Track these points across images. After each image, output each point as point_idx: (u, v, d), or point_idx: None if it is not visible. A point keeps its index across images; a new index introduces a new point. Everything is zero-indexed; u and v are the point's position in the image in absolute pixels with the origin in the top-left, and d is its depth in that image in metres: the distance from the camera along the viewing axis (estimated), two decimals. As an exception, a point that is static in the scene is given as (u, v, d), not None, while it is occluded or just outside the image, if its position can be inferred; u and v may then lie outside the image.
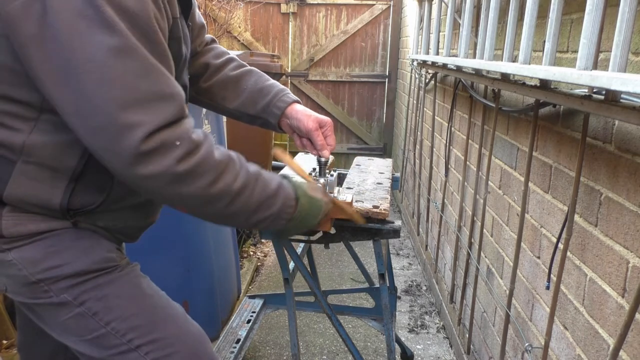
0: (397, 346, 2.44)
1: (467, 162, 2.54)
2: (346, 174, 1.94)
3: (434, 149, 3.41)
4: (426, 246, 3.57)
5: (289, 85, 5.82)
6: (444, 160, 3.02)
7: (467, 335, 2.36)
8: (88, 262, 1.03)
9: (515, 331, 1.85)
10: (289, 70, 5.85)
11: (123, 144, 0.86)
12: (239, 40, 5.75)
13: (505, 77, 1.78)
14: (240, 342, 2.15)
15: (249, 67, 1.37)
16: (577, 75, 1.11)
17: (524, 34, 1.48)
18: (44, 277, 1.00)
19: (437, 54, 3.06)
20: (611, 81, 0.97)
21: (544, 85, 1.46)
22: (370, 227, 1.51)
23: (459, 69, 2.40)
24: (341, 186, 1.72)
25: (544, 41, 1.38)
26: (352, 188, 1.72)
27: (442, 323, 2.92)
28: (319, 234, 1.50)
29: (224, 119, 2.79)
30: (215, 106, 1.37)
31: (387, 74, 5.82)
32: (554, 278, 1.50)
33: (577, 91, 1.31)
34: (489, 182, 2.16)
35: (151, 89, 0.87)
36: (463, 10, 2.26)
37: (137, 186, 0.93)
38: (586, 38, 1.13)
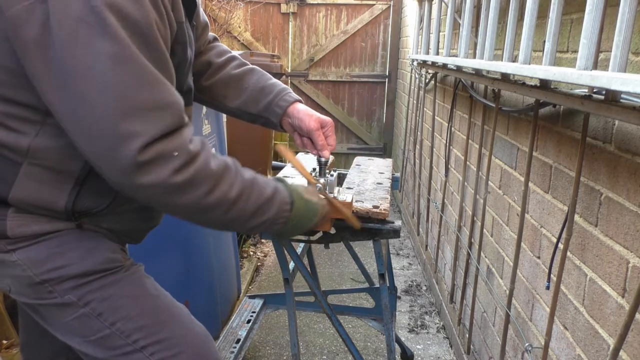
0: (397, 346, 2.44)
1: (467, 162, 2.54)
2: (346, 174, 1.94)
3: (434, 149, 3.41)
4: (426, 246, 3.57)
5: (289, 85, 5.82)
6: (444, 160, 3.02)
7: (467, 335, 2.36)
8: (92, 263, 1.03)
9: (515, 331, 1.85)
10: (289, 70, 5.85)
11: (120, 154, 0.85)
12: (239, 40, 5.75)
13: (505, 77, 1.78)
14: (240, 342, 2.15)
15: (250, 66, 1.37)
16: (577, 75, 1.11)
17: (524, 34, 1.48)
18: (48, 277, 1.00)
19: (437, 54, 3.06)
20: (611, 81, 0.97)
21: (544, 85, 1.46)
22: (370, 227, 1.51)
23: (459, 69, 2.40)
24: (341, 186, 1.72)
25: (544, 41, 1.38)
26: (352, 188, 1.72)
27: (442, 323, 2.92)
28: (319, 234, 1.50)
29: (224, 118, 2.79)
30: (216, 104, 1.37)
31: (387, 74, 5.82)
32: (554, 278, 1.50)
33: (577, 91, 1.31)
34: (489, 182, 2.16)
35: (150, 98, 0.87)
36: (463, 10, 2.26)
37: (134, 195, 0.93)
38: (586, 38, 1.13)
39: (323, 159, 1.35)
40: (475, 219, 2.36)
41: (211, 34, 1.38)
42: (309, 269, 2.11)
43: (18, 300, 1.10)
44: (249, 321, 2.29)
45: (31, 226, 0.99)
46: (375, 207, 1.51)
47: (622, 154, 1.20)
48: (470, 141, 2.51)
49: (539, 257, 1.66)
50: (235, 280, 2.86)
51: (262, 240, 3.91)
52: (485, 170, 2.16)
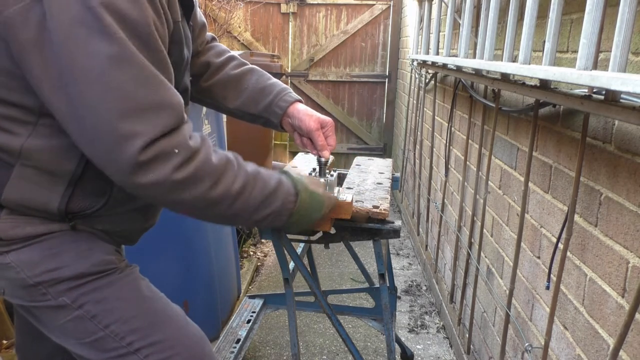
0: (397, 346, 2.44)
1: (467, 162, 2.54)
2: (346, 174, 1.94)
3: (434, 149, 3.41)
4: (426, 246, 3.57)
5: (289, 85, 5.82)
6: (444, 160, 3.02)
7: (467, 335, 2.36)
8: (87, 265, 1.02)
9: (515, 331, 1.85)
10: (289, 70, 5.85)
11: (121, 154, 0.86)
12: (239, 40, 5.75)
13: (505, 77, 1.78)
14: (240, 342, 2.14)
15: (250, 66, 1.37)
16: (577, 75, 1.11)
17: (524, 34, 1.48)
18: (42, 279, 1.00)
19: (437, 54, 3.05)
20: (611, 81, 0.97)
21: (544, 85, 1.46)
22: (370, 227, 1.51)
23: (459, 69, 2.40)
24: (341, 186, 1.72)
25: (544, 41, 1.38)
26: (352, 188, 1.72)
27: (442, 323, 2.92)
28: (319, 234, 1.50)
29: (224, 118, 2.79)
30: (216, 105, 1.37)
31: (387, 74, 5.82)
32: (554, 278, 1.50)
33: (577, 91, 1.31)
34: (489, 182, 2.16)
35: (149, 98, 0.87)
36: (463, 10, 2.26)
37: (137, 193, 0.94)
38: (586, 38, 1.13)
39: (323, 159, 1.35)
40: (475, 219, 2.36)
41: (209, 33, 1.37)
42: (309, 269, 2.11)
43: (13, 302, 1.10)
44: (249, 321, 2.29)
45: (24, 228, 0.99)
46: (375, 207, 1.51)
47: (622, 154, 1.20)
48: (470, 141, 2.51)
49: (539, 257, 1.66)
50: (235, 280, 2.86)
51: (262, 240, 3.91)
52: (485, 170, 2.16)
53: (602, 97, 1.15)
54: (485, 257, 2.21)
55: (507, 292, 1.85)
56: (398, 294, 3.14)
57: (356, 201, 1.54)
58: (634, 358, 1.15)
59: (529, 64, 1.49)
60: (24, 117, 0.94)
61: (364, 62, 5.86)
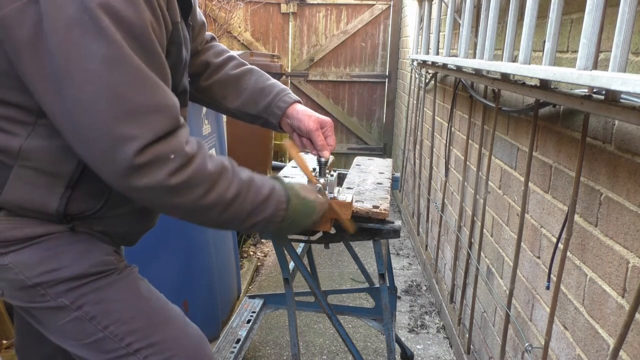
0: (397, 346, 2.44)
1: (467, 162, 2.54)
2: (346, 174, 1.94)
3: (434, 149, 3.41)
4: (426, 246, 3.57)
5: (289, 85, 5.82)
6: (444, 160, 3.02)
7: (467, 335, 2.36)
8: (85, 266, 1.02)
9: (515, 331, 1.85)
10: (289, 70, 5.85)
11: (117, 157, 0.85)
12: (239, 40, 5.75)
13: (505, 77, 1.77)
14: (240, 342, 2.14)
15: (249, 66, 1.37)
16: (577, 75, 1.11)
17: (524, 34, 1.48)
18: (40, 280, 1.00)
19: (437, 54, 3.05)
20: (611, 81, 0.97)
21: (544, 85, 1.46)
22: (370, 227, 1.51)
23: (459, 69, 2.40)
24: (341, 186, 1.72)
25: (544, 41, 1.38)
26: (352, 188, 1.72)
27: (442, 323, 2.92)
28: (319, 234, 1.50)
29: (224, 118, 2.79)
30: (215, 105, 1.37)
31: (387, 74, 5.82)
32: (554, 278, 1.50)
33: (577, 91, 1.31)
34: (489, 182, 2.16)
35: (146, 101, 0.87)
36: (463, 10, 2.26)
37: (131, 196, 0.94)
38: (586, 38, 1.13)
39: (323, 159, 1.35)
40: (475, 219, 2.36)
41: (209, 33, 1.37)
42: (309, 269, 2.11)
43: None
44: (249, 321, 2.29)
45: (23, 229, 0.98)
46: (375, 207, 1.51)
47: (622, 154, 1.20)
48: (470, 141, 2.51)
49: (539, 257, 1.66)
50: (235, 280, 2.86)
51: (262, 240, 3.91)
52: (485, 170, 2.16)
53: (602, 97, 1.15)
54: (485, 257, 2.21)
55: (507, 292, 1.85)
56: (398, 294, 3.14)
57: (356, 201, 1.54)
58: (634, 358, 1.15)
59: (529, 64, 1.49)
60: (22, 118, 0.93)
61: (364, 62, 5.86)
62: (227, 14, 5.31)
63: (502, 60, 1.72)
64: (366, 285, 2.55)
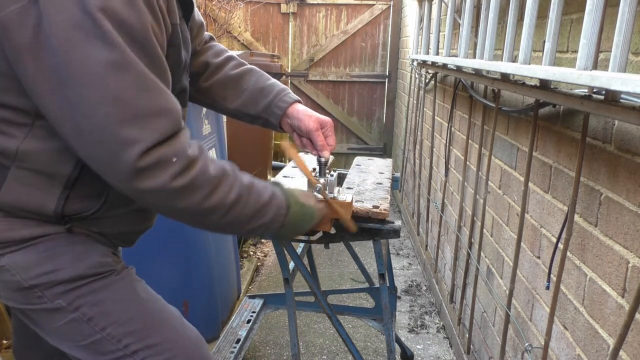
0: (397, 346, 2.44)
1: (467, 162, 2.54)
2: (346, 174, 1.94)
3: (434, 149, 3.42)
4: (426, 246, 3.57)
5: (289, 85, 5.82)
6: (444, 160, 3.02)
7: (467, 335, 2.36)
8: (83, 267, 1.02)
9: (515, 331, 1.85)
10: (289, 70, 5.85)
11: (120, 160, 0.86)
12: (239, 40, 5.75)
13: (505, 77, 1.78)
14: (240, 342, 2.15)
15: (248, 66, 1.37)
16: (577, 75, 1.11)
17: (523, 34, 1.48)
18: (37, 282, 0.99)
19: (437, 54, 3.06)
20: (611, 81, 0.97)
21: (544, 85, 1.46)
22: (370, 227, 1.51)
23: (459, 69, 2.40)
24: (341, 186, 1.72)
25: (544, 41, 1.38)
26: (352, 188, 1.72)
27: (442, 323, 2.92)
28: (319, 234, 1.50)
29: (224, 118, 2.79)
30: (215, 106, 1.37)
31: (387, 74, 5.82)
32: (554, 278, 1.50)
33: (577, 91, 1.31)
34: (489, 182, 2.17)
35: (148, 104, 0.87)
36: (463, 10, 2.26)
37: (135, 198, 0.94)
38: (586, 38, 1.13)
39: (323, 159, 1.35)
40: (475, 219, 2.36)
41: (207, 33, 1.37)
42: (309, 269, 2.11)
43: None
44: (249, 321, 2.29)
45: (20, 230, 0.98)
46: (375, 207, 1.51)
47: (622, 154, 1.20)
48: (470, 141, 2.51)
49: (539, 257, 1.66)
50: (235, 280, 2.86)
51: (262, 240, 3.91)
52: (485, 170, 2.16)
53: (602, 97, 1.15)
54: (485, 257, 2.21)
55: (507, 292, 1.85)
56: (398, 294, 3.14)
57: (356, 201, 1.54)
58: (634, 358, 1.15)
59: (529, 64, 1.49)
60: (20, 119, 0.93)
61: (364, 62, 5.86)
62: (227, 14, 5.31)
63: (502, 60, 1.72)
64: (366, 285, 2.55)
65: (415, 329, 2.84)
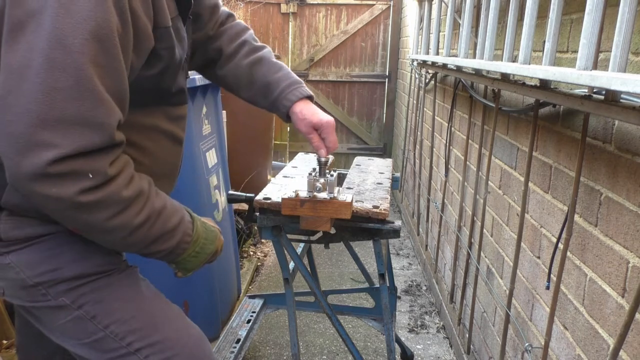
0: (397, 346, 2.44)
1: (467, 162, 2.54)
2: (346, 174, 1.94)
3: (434, 149, 3.42)
4: (426, 246, 3.57)
5: (289, 85, 5.82)
6: (444, 160, 3.02)
7: (467, 335, 2.36)
8: (86, 265, 1.02)
9: (515, 331, 1.85)
10: (289, 70, 5.85)
11: (27, 160, 0.81)
12: (239, 40, 5.75)
13: (505, 77, 1.78)
14: (240, 342, 2.15)
15: (260, 54, 1.34)
16: (577, 75, 1.11)
17: (523, 34, 1.48)
18: (41, 280, 1.00)
19: (437, 54, 3.06)
20: (611, 81, 0.97)
21: (544, 85, 1.46)
22: (370, 227, 1.51)
23: (459, 69, 2.40)
24: (341, 186, 1.72)
25: (544, 41, 1.38)
26: (352, 188, 1.72)
27: (442, 323, 2.92)
28: (319, 234, 1.50)
29: (224, 118, 2.78)
30: (233, 93, 1.38)
31: (387, 74, 5.82)
32: (554, 278, 1.50)
33: (577, 91, 1.31)
34: (489, 182, 2.17)
35: (79, 113, 0.82)
36: (463, 10, 2.26)
37: (31, 199, 0.88)
38: (586, 38, 1.13)
39: (323, 159, 1.35)
40: (475, 219, 2.36)
41: (225, 10, 1.34)
42: (309, 269, 2.11)
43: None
44: (249, 321, 2.29)
45: (24, 229, 0.99)
46: (375, 207, 1.51)
47: (622, 154, 1.20)
48: (470, 141, 2.51)
49: (539, 257, 1.66)
50: (235, 280, 2.86)
51: (262, 240, 3.91)
52: (485, 170, 2.16)
53: (602, 97, 1.15)
54: (485, 257, 2.21)
55: (507, 292, 1.85)
56: (398, 294, 3.14)
57: (356, 201, 1.54)
58: (634, 358, 1.15)
59: (529, 64, 1.49)
60: None
61: (364, 62, 5.86)
62: (227, 14, 5.31)
63: (502, 60, 1.72)
64: (366, 285, 2.55)
65: (415, 329, 2.84)
